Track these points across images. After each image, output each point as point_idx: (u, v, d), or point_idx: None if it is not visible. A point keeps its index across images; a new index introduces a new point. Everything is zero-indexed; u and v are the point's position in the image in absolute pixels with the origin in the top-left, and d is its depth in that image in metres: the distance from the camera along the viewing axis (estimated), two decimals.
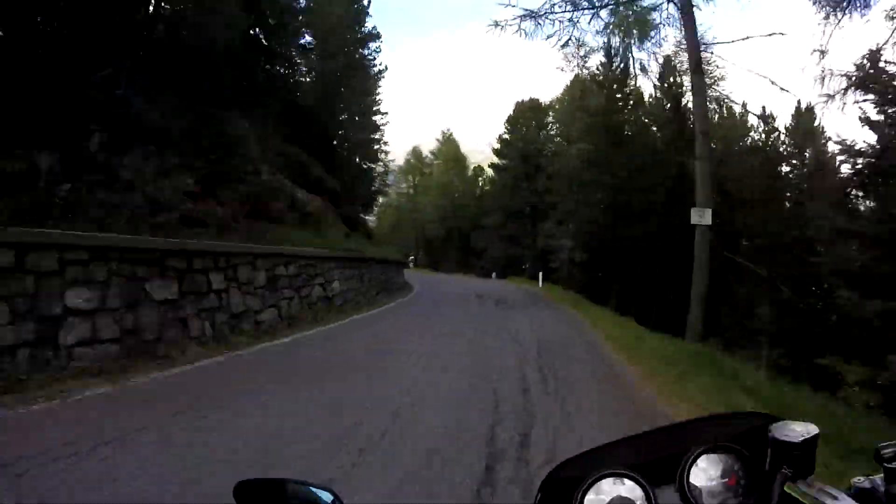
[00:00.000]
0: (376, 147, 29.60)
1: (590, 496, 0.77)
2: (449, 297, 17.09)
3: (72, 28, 7.71)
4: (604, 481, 0.77)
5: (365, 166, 28.38)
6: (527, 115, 41.32)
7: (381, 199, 38.26)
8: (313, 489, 0.73)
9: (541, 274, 26.39)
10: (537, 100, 42.29)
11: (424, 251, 53.94)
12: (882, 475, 0.66)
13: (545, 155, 37.21)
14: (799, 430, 0.72)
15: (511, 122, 41.96)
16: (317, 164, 17.05)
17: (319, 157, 17.86)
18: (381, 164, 31.65)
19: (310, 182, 15.30)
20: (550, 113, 41.23)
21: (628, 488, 0.76)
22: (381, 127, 29.30)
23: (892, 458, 0.64)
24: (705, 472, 0.79)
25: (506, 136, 41.95)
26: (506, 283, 28.78)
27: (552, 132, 40.67)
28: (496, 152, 42.59)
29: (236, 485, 0.72)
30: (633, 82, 23.61)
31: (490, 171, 45.71)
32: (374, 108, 28.37)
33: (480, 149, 57.97)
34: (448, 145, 53.60)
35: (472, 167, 53.71)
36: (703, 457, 0.80)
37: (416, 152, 57.54)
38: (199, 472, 2.80)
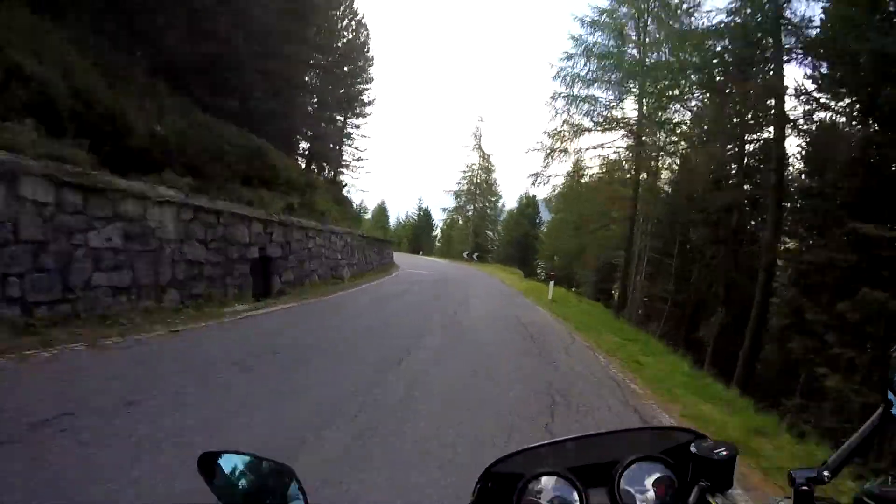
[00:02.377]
0: None
1: (528, 493, 0.82)
2: None
3: None
4: (541, 479, 0.84)
5: None
6: None
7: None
8: (274, 464, 0.77)
9: None
10: None
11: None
12: (793, 498, 0.69)
13: None
14: (719, 448, 0.79)
15: None
16: None
17: None
18: None
19: None
20: None
21: (564, 488, 0.83)
22: None
23: (803, 483, 0.69)
24: (636, 479, 0.86)
25: None
26: None
27: None
28: None
29: (200, 456, 0.75)
30: None
31: None
32: None
33: None
34: None
35: None
36: (635, 465, 0.86)
37: None
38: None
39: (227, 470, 0.76)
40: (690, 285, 22.67)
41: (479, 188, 48.53)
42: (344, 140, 30.20)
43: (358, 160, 31.09)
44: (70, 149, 6.01)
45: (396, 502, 2.74)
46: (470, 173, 49.20)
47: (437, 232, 56.64)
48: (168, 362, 4.83)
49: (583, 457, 0.89)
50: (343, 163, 30.87)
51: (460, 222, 50.39)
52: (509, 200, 59.88)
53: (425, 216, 56.28)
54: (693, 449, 0.82)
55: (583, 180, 25.75)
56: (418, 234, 55.09)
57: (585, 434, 0.93)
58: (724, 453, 0.79)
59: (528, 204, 51.91)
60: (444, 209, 50.49)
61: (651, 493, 0.85)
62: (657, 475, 0.86)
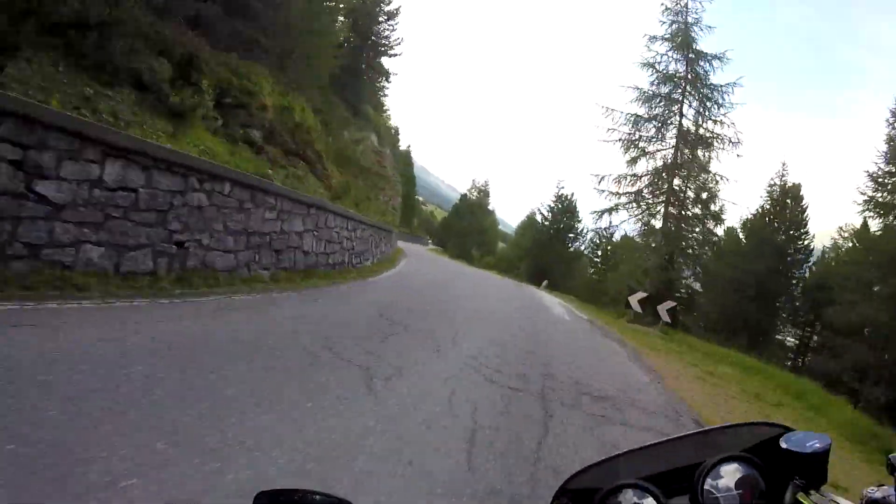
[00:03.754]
0: None
1: None
2: None
3: None
4: (619, 492, 0.79)
5: None
6: None
7: None
8: (331, 499, 0.72)
9: None
10: None
11: None
12: (894, 485, 0.66)
13: None
14: (811, 441, 0.73)
15: None
16: None
17: None
18: None
19: None
20: None
21: (643, 498, 0.79)
22: None
23: None
24: (720, 482, 0.80)
25: None
26: None
27: None
28: None
29: (256, 495, 0.71)
30: None
31: None
32: None
33: None
34: None
35: None
36: (718, 467, 0.80)
37: None
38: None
39: None
40: None
41: (681, 146, 20.75)
42: None
43: None
44: None
45: None
46: (664, 100, 20.52)
47: (587, 241, 31.41)
48: None
49: (662, 463, 0.84)
50: None
51: (637, 238, 24.24)
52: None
53: (564, 211, 31.78)
54: (783, 444, 0.76)
55: None
56: (543, 242, 30.67)
57: (664, 439, 0.88)
58: (817, 446, 0.73)
59: (787, 196, 24.40)
60: (601, 188, 21.64)
61: (736, 496, 0.79)
62: (741, 475, 0.80)
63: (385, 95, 40.41)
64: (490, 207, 78.75)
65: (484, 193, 78.13)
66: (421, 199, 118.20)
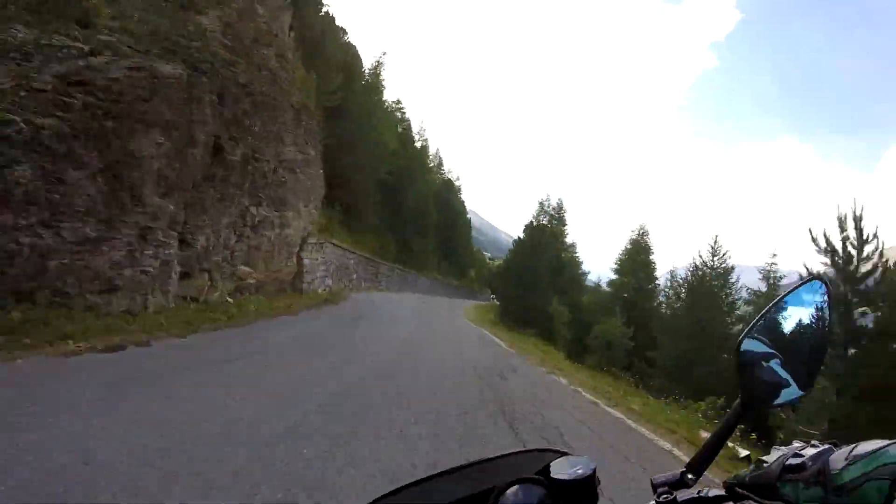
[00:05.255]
0: None
1: None
2: None
3: None
4: None
5: None
6: None
7: None
8: None
9: None
10: None
11: None
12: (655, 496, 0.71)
13: None
14: (573, 468, 0.76)
15: None
16: None
17: None
18: None
19: None
20: None
21: None
22: None
23: (664, 490, 0.70)
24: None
25: None
26: None
27: None
28: None
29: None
30: None
31: None
32: None
33: None
34: None
35: None
36: (513, 488, 0.81)
37: None
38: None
39: None
40: None
41: None
42: None
43: None
44: None
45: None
46: None
47: None
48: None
49: (462, 487, 0.85)
50: None
51: None
52: None
53: None
54: (551, 472, 0.78)
55: None
56: None
57: (460, 465, 0.88)
58: (580, 472, 0.76)
59: None
60: None
61: None
62: (534, 497, 0.79)
63: None
64: (567, 240, 49.58)
65: (559, 220, 49.43)
66: (488, 254, 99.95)
